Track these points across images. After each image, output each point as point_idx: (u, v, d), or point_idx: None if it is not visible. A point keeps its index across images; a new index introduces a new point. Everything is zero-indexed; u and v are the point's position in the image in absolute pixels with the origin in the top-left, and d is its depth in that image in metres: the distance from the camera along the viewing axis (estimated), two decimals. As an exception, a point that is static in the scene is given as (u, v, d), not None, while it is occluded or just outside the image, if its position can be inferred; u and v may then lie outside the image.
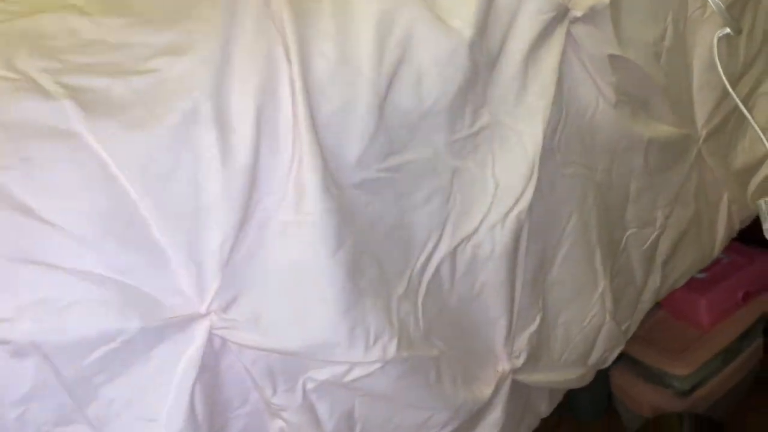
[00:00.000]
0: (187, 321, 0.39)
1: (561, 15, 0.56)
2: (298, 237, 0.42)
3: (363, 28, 0.46)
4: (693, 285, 1.53)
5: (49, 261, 0.35)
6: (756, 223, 1.15)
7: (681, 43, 0.73)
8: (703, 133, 0.79)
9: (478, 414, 0.59)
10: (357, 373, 0.45)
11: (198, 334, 0.39)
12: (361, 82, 0.46)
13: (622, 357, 1.56)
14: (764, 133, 0.90)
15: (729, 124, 0.85)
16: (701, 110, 0.78)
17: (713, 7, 0.69)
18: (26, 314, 0.34)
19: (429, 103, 0.49)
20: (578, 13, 0.58)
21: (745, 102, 0.88)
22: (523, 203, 0.56)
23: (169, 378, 0.39)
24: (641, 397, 1.37)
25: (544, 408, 0.75)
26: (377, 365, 0.45)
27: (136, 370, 0.38)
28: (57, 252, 0.35)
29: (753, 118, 0.89)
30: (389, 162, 0.48)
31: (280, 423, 0.45)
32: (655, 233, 0.78)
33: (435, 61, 0.49)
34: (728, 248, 1.54)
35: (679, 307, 1.53)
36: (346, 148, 0.46)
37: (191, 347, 0.39)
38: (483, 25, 0.52)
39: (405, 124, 0.49)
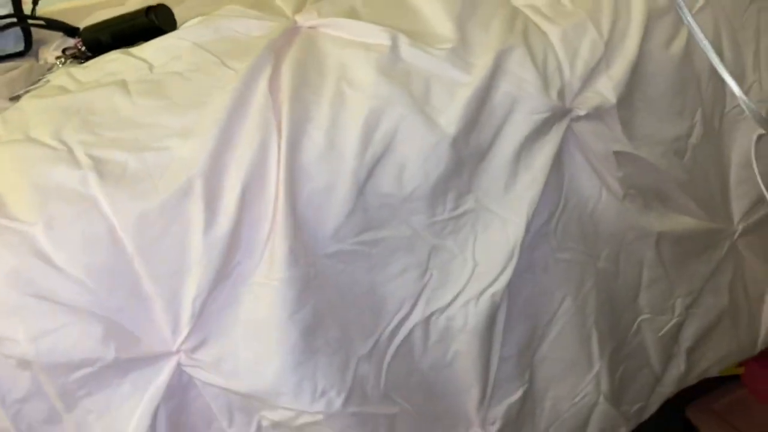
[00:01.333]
0: (159, 356, 0.48)
1: (558, 115, 0.60)
2: (264, 298, 0.50)
3: (352, 122, 0.54)
4: (777, 367, 1.45)
5: (53, 298, 0.45)
6: None
7: (714, 140, 0.73)
8: (740, 227, 0.78)
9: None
10: (303, 419, 0.52)
11: (166, 368, 0.48)
12: (343, 168, 0.53)
13: (694, 432, 1.50)
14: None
15: (776, 220, 0.82)
16: (738, 205, 0.78)
17: (744, 108, 0.69)
18: (29, 337, 0.45)
19: (409, 190, 0.56)
20: (581, 112, 0.62)
21: (804, 198, 0.85)
22: (500, 284, 0.60)
23: (138, 400, 0.48)
24: (716, 479, 1.32)
25: (535, 475, 0.78)
26: (320, 416, 0.52)
27: (111, 390, 0.47)
28: (62, 293, 0.46)
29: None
30: (364, 237, 0.55)
31: (237, 451, 0.53)
32: (674, 320, 0.78)
33: (417, 154, 0.55)
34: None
35: (760, 388, 1.46)
36: (323, 223, 0.53)
37: (159, 378, 0.48)
38: (470, 123, 0.57)
39: (384, 205, 0.55)
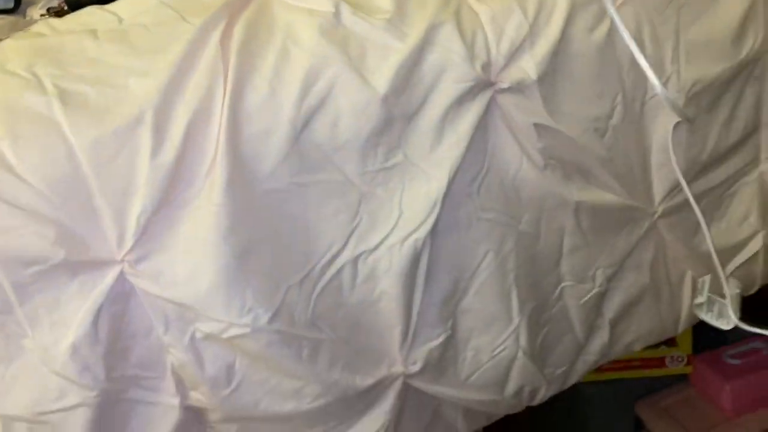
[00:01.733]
0: (105, 263, 0.55)
1: (482, 85, 0.67)
2: (203, 221, 0.57)
3: (293, 75, 0.61)
4: (723, 369, 1.53)
5: (13, 202, 0.52)
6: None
7: (636, 123, 0.80)
8: (660, 209, 0.85)
9: (364, 404, 0.71)
10: (232, 332, 0.59)
11: (110, 275, 0.55)
12: (282, 115, 0.60)
13: (643, 429, 1.58)
14: (741, 223, 0.94)
15: (698, 206, 0.89)
16: (659, 187, 0.84)
17: (659, 94, 0.76)
18: (-10, 233, 0.52)
19: (342, 141, 0.63)
20: (504, 85, 0.69)
21: (726, 187, 0.93)
22: (422, 232, 0.67)
23: (84, 300, 0.55)
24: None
25: (461, 425, 0.84)
26: (247, 329, 0.58)
27: (60, 288, 0.54)
28: (21, 198, 0.53)
29: (731, 205, 0.94)
30: (300, 179, 0.62)
31: (171, 358, 0.60)
32: (595, 290, 0.85)
33: (351, 109, 0.62)
34: (770, 343, 1.52)
35: (707, 388, 1.53)
36: (261, 162, 0.60)
37: (103, 283, 0.55)
38: (401, 85, 0.64)
39: (319, 152, 0.62)
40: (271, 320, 0.60)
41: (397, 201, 0.67)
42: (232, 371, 0.61)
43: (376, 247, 0.67)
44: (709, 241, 0.82)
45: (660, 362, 1.57)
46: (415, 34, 0.65)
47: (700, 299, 0.83)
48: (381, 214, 0.67)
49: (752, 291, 1.00)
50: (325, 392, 0.65)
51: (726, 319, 0.81)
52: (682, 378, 1.55)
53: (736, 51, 0.83)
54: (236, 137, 0.59)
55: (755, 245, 0.94)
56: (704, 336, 1.54)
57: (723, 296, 0.83)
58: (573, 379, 0.92)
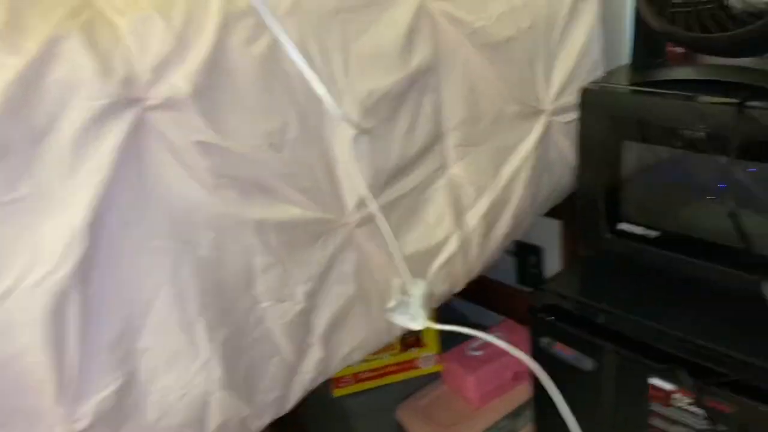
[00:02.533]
0: None
1: (124, 103, 0.61)
2: None
3: None
4: (466, 362, 1.62)
5: None
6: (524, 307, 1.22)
7: (315, 136, 0.79)
8: (354, 219, 0.85)
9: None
10: None
11: None
12: None
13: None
14: (437, 226, 0.98)
15: (393, 214, 0.91)
16: (351, 198, 0.85)
17: (329, 109, 0.76)
18: None
19: (-59, 172, 0.53)
20: (154, 102, 0.64)
21: (418, 192, 0.96)
22: (63, 271, 0.59)
23: None
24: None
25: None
26: None
27: None
28: None
29: (426, 209, 0.97)
30: None
31: None
32: (297, 307, 0.82)
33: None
34: (505, 329, 1.64)
35: (455, 383, 1.61)
36: None
37: None
38: (16, 106, 0.56)
39: None
40: None
41: (29, 239, 0.58)
42: None
43: (7, 295, 0.58)
44: (392, 245, 0.84)
45: (412, 364, 1.63)
46: (31, 47, 0.58)
47: (391, 303, 0.85)
48: (9, 255, 0.58)
49: (458, 289, 1.06)
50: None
51: (419, 319, 0.83)
52: (437, 376, 1.62)
53: (405, 62, 0.86)
54: None
55: (451, 246, 0.99)
56: (451, 333, 1.63)
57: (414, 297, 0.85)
58: (292, 401, 0.89)
